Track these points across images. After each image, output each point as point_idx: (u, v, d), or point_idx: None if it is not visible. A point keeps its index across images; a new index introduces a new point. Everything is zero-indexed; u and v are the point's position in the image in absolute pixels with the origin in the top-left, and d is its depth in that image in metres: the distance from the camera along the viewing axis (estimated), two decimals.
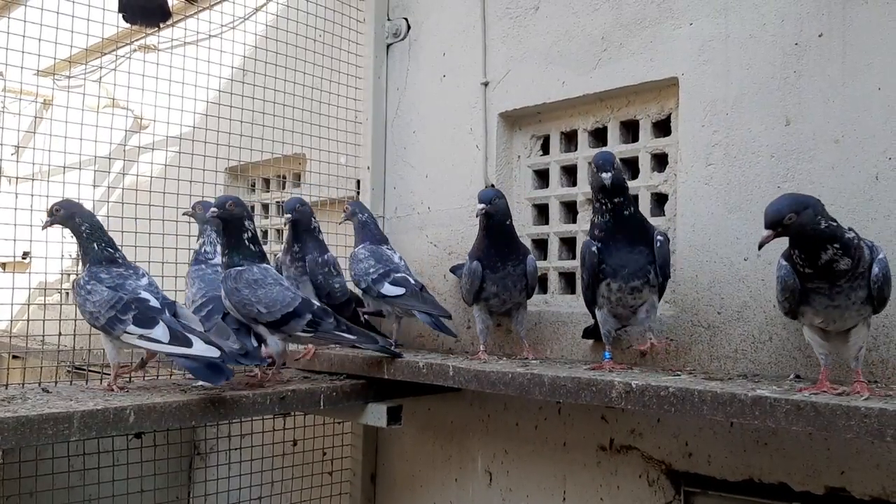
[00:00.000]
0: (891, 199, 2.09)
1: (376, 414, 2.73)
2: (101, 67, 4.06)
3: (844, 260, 1.79)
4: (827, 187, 2.19)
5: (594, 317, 2.42)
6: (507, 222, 2.63)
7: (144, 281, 2.48)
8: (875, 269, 1.81)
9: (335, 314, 2.59)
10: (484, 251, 2.63)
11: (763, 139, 2.33)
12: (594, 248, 2.29)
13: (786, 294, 1.89)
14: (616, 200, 2.27)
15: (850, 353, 1.90)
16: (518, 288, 2.64)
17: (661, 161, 2.70)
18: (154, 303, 2.38)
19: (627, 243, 2.28)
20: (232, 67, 3.31)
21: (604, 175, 2.22)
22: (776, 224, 1.80)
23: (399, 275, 2.86)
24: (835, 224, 1.81)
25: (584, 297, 2.43)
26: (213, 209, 2.49)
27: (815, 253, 1.80)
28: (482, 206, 2.53)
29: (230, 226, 2.53)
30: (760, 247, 1.84)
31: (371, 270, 2.88)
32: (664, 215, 2.65)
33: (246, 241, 2.54)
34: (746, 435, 2.34)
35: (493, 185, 3.06)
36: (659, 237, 2.29)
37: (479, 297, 2.66)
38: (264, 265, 2.57)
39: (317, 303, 2.63)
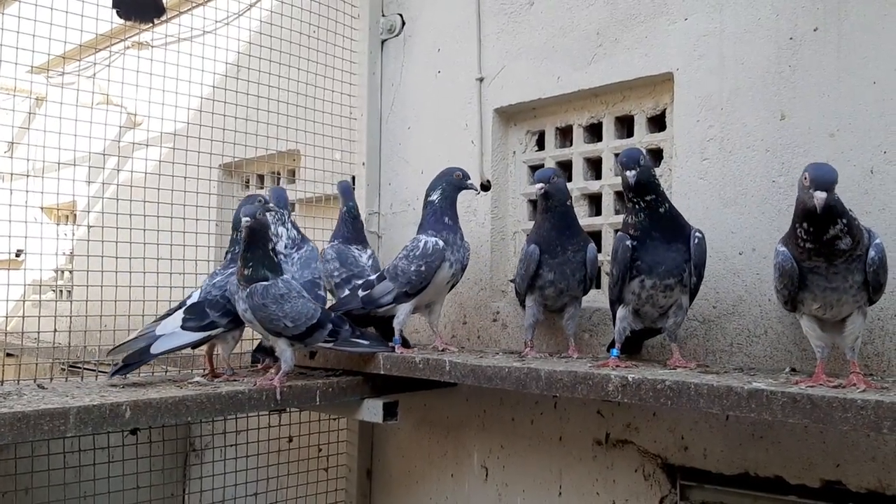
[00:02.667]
0: (886, 193, 2.09)
1: (372, 410, 2.72)
2: (94, 64, 4.04)
3: (846, 239, 1.79)
4: None
5: (614, 316, 2.33)
6: (568, 202, 2.51)
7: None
8: (871, 253, 1.82)
9: (349, 320, 2.61)
10: (543, 235, 2.50)
11: (758, 133, 2.34)
12: (628, 243, 2.19)
13: (784, 280, 1.89)
14: (648, 199, 2.17)
15: (847, 342, 1.91)
16: (577, 277, 2.49)
17: (656, 156, 2.71)
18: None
19: (664, 240, 2.19)
20: (226, 63, 3.31)
21: (628, 173, 2.13)
22: (833, 188, 1.76)
23: (360, 281, 2.79)
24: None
25: (609, 294, 2.34)
26: (246, 219, 2.37)
27: (824, 226, 1.78)
28: (540, 185, 2.43)
29: (258, 235, 2.43)
30: (823, 208, 1.74)
31: (335, 273, 2.85)
32: None
33: (270, 253, 2.48)
34: (742, 429, 2.35)
35: (488, 181, 3.07)
36: (697, 234, 2.21)
37: (533, 285, 2.52)
38: (286, 276, 2.54)
39: (331, 311, 2.63)
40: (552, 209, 2.48)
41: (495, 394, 3.00)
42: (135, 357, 2.50)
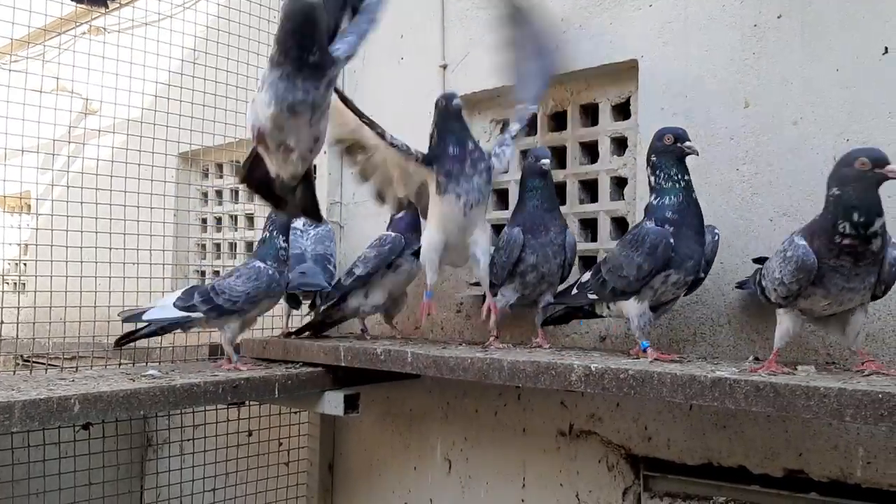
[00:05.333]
0: None
1: (333, 402, 2.67)
2: (44, 47, 3.92)
3: (878, 239, 1.73)
4: (786, 169, 2.19)
5: (600, 306, 2.26)
6: (553, 184, 2.51)
7: None
8: (893, 253, 1.79)
9: None
10: (527, 214, 2.44)
11: (722, 121, 2.32)
12: (671, 240, 2.01)
13: (799, 275, 1.79)
14: (687, 178, 2.06)
15: (850, 337, 1.89)
16: (557, 261, 2.43)
17: (620, 145, 2.68)
18: None
19: (695, 230, 2.05)
20: (183, 48, 3.23)
21: (688, 144, 2.04)
22: None
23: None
24: None
25: (616, 284, 2.13)
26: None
27: (871, 220, 1.72)
28: (546, 160, 2.40)
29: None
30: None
31: None
32: (623, 199, 2.63)
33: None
34: (705, 418, 2.33)
35: None
36: (716, 230, 2.14)
37: (514, 272, 2.44)
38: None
39: None
40: (545, 188, 2.45)
41: (459, 385, 2.95)
42: (131, 318, 2.60)
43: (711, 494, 2.30)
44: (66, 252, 2.79)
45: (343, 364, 2.59)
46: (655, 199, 2.08)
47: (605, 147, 2.70)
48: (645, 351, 2.12)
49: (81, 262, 2.79)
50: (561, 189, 2.84)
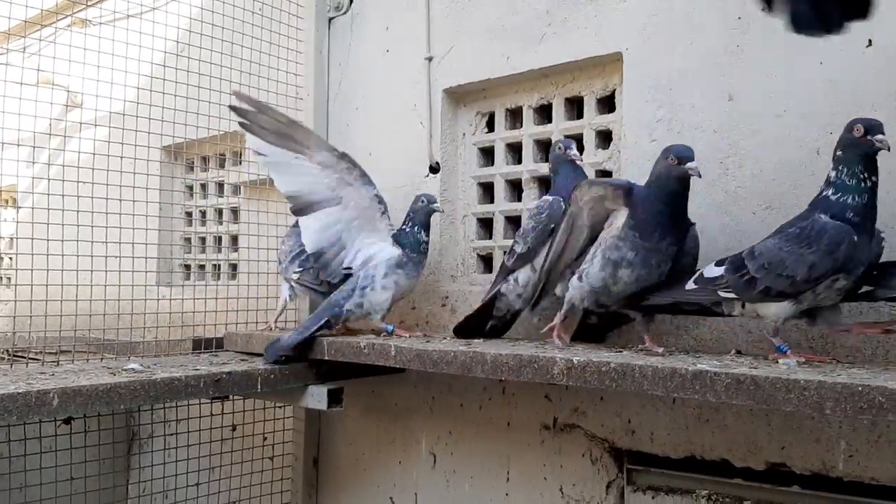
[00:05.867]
0: None
1: (316, 396, 2.66)
2: (28, 39, 3.89)
3: None
4: (770, 162, 2.19)
5: (731, 305, 1.98)
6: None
7: None
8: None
9: None
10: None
11: (706, 114, 2.32)
12: (855, 238, 1.76)
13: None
14: (875, 179, 1.78)
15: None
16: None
17: (605, 138, 2.68)
18: None
19: (870, 235, 1.81)
20: (166, 40, 3.19)
21: (879, 138, 1.73)
22: None
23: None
24: None
25: (772, 284, 1.84)
26: None
27: None
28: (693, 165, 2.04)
29: None
30: None
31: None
32: None
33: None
34: (688, 412, 2.33)
35: (437, 163, 3.01)
36: (882, 234, 1.88)
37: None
38: None
39: None
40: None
41: (443, 379, 2.95)
42: None
43: (694, 488, 2.30)
44: (49, 246, 2.76)
45: (327, 358, 2.58)
46: (834, 194, 1.81)
47: (590, 140, 2.69)
48: (786, 353, 1.90)
49: (63, 255, 2.75)
50: (546, 183, 2.83)
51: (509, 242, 2.87)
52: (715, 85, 2.29)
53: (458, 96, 3.03)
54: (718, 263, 1.98)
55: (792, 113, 2.15)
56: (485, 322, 2.58)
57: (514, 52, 2.78)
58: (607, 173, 2.63)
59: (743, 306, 1.97)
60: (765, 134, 2.20)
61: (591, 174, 2.66)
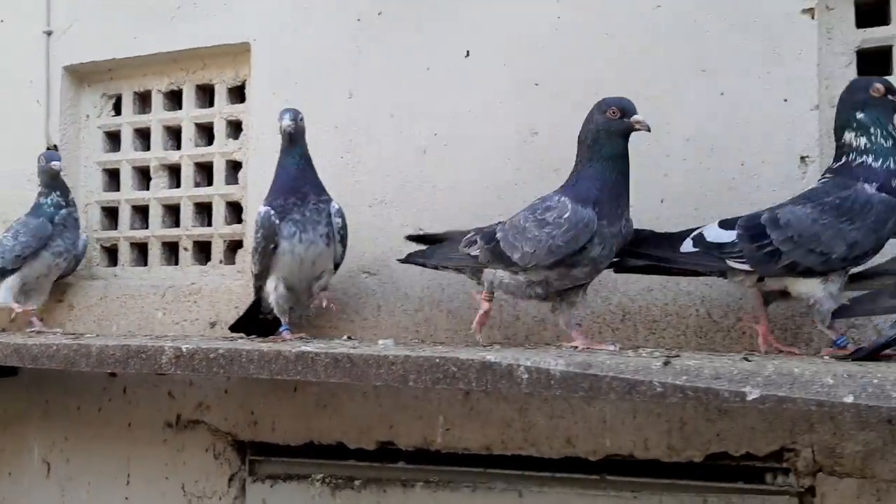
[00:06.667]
0: (436, 170, 2.27)
1: None
2: None
3: None
4: (380, 159, 2.33)
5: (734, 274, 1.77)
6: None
7: None
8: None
9: None
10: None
11: (329, 110, 2.40)
12: None
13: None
14: None
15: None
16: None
17: (238, 128, 2.65)
18: None
19: None
20: None
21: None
22: None
23: None
24: None
25: (801, 259, 1.66)
26: None
27: None
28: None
29: None
30: None
31: None
32: (238, 183, 2.61)
33: None
34: (308, 399, 2.38)
35: (55, 147, 2.77)
36: None
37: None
38: None
39: None
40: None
41: (60, 380, 2.71)
42: None
43: (311, 472, 2.36)
44: None
45: None
46: (875, 160, 1.67)
47: (220, 129, 2.65)
48: (845, 347, 1.71)
49: None
50: (176, 172, 2.74)
51: (137, 234, 2.75)
52: (337, 81, 2.39)
53: (82, 75, 2.82)
54: (723, 225, 1.76)
55: (402, 113, 2.32)
56: (255, 319, 2.29)
57: (143, 33, 2.65)
58: (238, 164, 2.61)
59: (760, 280, 1.78)
60: (379, 131, 2.33)
61: (221, 164, 2.63)
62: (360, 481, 2.30)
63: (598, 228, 1.73)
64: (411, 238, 2.14)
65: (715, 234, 1.76)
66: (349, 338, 2.20)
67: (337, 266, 2.20)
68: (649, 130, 1.73)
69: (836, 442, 1.89)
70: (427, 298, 2.26)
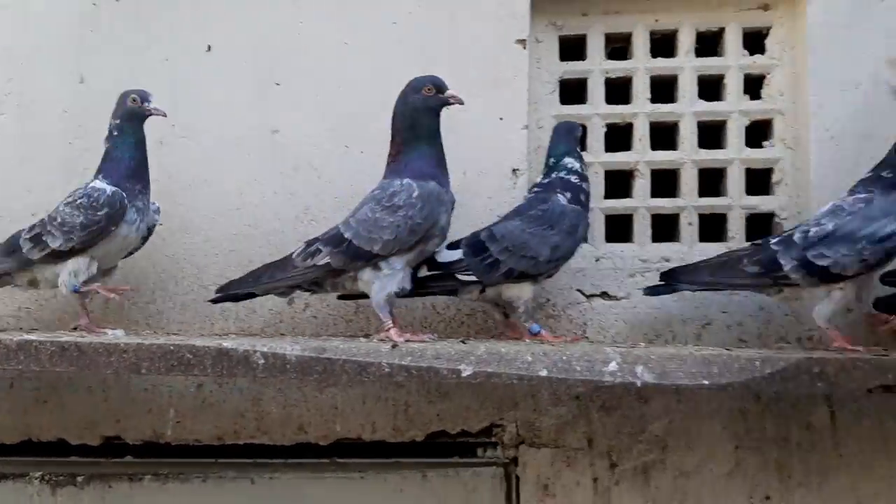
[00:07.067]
0: (171, 162, 2.28)
1: None
2: None
3: None
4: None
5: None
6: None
7: None
8: None
9: None
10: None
11: (58, 94, 2.32)
12: None
13: None
14: None
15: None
16: None
17: None
18: None
19: None
20: None
21: None
22: None
23: None
24: None
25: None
26: None
27: None
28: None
29: None
30: None
31: None
32: None
33: None
34: (27, 395, 2.25)
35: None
36: None
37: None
38: None
39: None
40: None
41: None
42: None
43: (28, 471, 2.23)
44: None
45: None
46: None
47: None
48: (539, 333, 1.99)
49: None
50: None
51: None
52: (67, 65, 2.32)
53: None
54: (450, 246, 1.99)
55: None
56: None
57: None
58: None
59: (483, 291, 2.00)
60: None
61: None
62: (82, 477, 2.21)
63: (441, 196, 1.89)
64: (218, 300, 2.10)
65: (446, 255, 1.99)
66: (75, 328, 2.13)
67: None
68: (462, 103, 1.92)
69: (536, 417, 2.17)
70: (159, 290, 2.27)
